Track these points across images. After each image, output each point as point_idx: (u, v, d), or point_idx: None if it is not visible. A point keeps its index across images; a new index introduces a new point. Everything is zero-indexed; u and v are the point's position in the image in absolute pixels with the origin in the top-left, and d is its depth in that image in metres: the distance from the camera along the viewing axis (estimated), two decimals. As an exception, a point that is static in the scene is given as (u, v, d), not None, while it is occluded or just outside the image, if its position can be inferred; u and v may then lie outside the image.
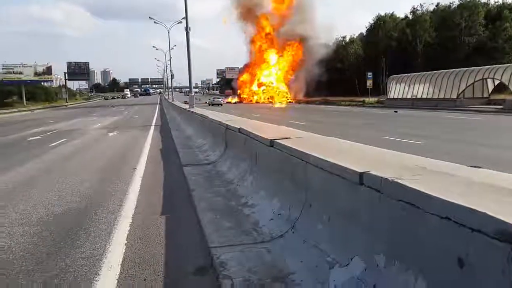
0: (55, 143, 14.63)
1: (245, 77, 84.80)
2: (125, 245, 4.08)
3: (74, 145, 14.40)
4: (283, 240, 3.83)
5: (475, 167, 2.78)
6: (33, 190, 6.89)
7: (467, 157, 9.80)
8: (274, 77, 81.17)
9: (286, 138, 5.09)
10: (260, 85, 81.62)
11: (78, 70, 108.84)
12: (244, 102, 76.13)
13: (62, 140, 15.69)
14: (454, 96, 37.25)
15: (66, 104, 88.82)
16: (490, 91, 37.40)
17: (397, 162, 3.15)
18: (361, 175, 2.77)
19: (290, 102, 71.02)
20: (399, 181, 2.36)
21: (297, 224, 3.85)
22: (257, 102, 73.66)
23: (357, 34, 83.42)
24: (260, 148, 5.65)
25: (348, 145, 4.58)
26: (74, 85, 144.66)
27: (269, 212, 4.48)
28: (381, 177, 2.53)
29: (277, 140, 4.93)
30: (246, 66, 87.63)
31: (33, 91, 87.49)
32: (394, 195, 2.37)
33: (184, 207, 5.47)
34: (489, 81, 36.51)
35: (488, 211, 1.70)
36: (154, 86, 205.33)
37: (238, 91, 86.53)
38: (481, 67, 36.96)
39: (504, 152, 10.90)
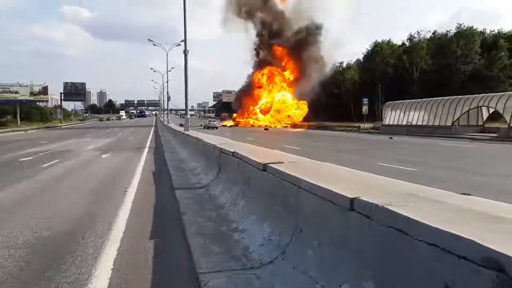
0: (47, 164, 14.51)
1: (245, 100, 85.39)
2: (112, 270, 3.99)
3: (66, 166, 14.29)
4: (272, 266, 3.76)
5: (464, 194, 2.77)
6: (21, 212, 6.78)
7: (459, 184, 9.80)
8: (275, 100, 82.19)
9: (279, 163, 5.08)
10: (264, 111, 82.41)
11: (74, 91, 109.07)
12: (239, 125, 76.39)
13: (55, 161, 15.57)
14: (449, 123, 37.56)
15: (61, 124, 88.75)
16: (484, 119, 37.79)
17: (388, 189, 3.13)
18: (351, 200, 2.75)
19: (286, 126, 71.32)
20: (389, 207, 2.34)
21: (287, 250, 3.79)
22: (252, 125, 73.91)
23: (354, 60, 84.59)
24: (253, 172, 5.62)
25: (340, 171, 4.56)
26: (69, 105, 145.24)
27: (260, 237, 4.41)
28: (371, 203, 2.51)
29: (270, 164, 4.91)
30: (248, 87, 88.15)
31: (28, 110, 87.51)
32: (384, 221, 2.34)
33: (174, 231, 5.38)
34: (484, 109, 36.91)
35: (474, 238, 1.68)
36: (150, 108, 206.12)
37: (234, 115, 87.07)
38: (476, 95, 37.45)
39: (496, 180, 10.92)
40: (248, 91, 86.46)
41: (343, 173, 4.37)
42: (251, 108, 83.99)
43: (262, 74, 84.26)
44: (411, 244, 2.05)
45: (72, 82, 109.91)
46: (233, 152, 7.16)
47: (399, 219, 2.18)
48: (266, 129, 61.64)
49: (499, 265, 1.54)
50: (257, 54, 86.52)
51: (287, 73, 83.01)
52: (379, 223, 2.38)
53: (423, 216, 2.08)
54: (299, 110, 79.76)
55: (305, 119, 74.41)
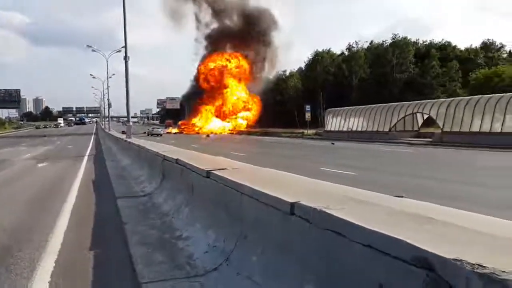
0: (-22, 175, 13.66)
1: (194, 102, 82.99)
2: (49, 283, 3.81)
3: (0, 176, 13.50)
4: (217, 273, 3.76)
5: (398, 196, 2.91)
6: (-51, 226, 6.33)
7: (395, 187, 10.21)
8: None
9: (223, 169, 5.08)
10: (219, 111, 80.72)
11: (8, 98, 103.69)
12: (184, 132, 75.54)
13: (-14, 172, 14.68)
14: (387, 129, 39.22)
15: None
16: (419, 124, 39.81)
17: (327, 193, 3.24)
18: (292, 205, 2.80)
19: (231, 133, 71.40)
20: (327, 210, 2.41)
21: (231, 256, 3.80)
22: (197, 133, 73.34)
23: (296, 68, 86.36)
24: (197, 179, 5.59)
25: (282, 176, 4.65)
26: (3, 113, 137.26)
27: (204, 245, 4.39)
28: (310, 206, 2.58)
29: (213, 171, 4.91)
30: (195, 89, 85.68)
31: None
32: (322, 225, 2.41)
33: (116, 241, 5.23)
34: (419, 116, 38.89)
35: (405, 238, 1.78)
36: (90, 115, 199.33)
37: (179, 122, 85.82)
38: (411, 102, 39.42)
39: (429, 182, 11.51)
40: (196, 92, 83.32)
41: (284, 178, 4.46)
42: (202, 111, 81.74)
43: (211, 61, 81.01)
44: (348, 245, 2.13)
45: (5, 89, 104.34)
46: (177, 159, 7.08)
47: (336, 222, 2.26)
48: (208, 136, 61.09)
49: (429, 263, 1.63)
50: (206, 38, 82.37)
51: (234, 63, 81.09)
52: (318, 226, 2.46)
53: (359, 218, 2.17)
54: (251, 107, 78.98)
55: (250, 125, 74.80)
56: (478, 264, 1.48)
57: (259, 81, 76.20)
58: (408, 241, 1.75)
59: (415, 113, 38.21)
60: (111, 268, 4.26)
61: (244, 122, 77.53)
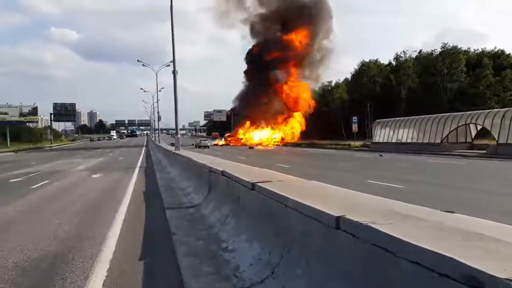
0: (36, 185, 14.41)
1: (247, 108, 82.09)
2: (101, 291, 3.97)
3: (56, 187, 14.20)
4: (263, 286, 3.77)
5: (448, 211, 2.82)
6: (10, 234, 6.73)
7: (446, 201, 9.88)
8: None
9: (268, 181, 5.12)
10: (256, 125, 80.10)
11: (64, 111, 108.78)
12: (231, 144, 76.31)
13: (44, 182, 15.46)
14: (438, 140, 37.90)
15: (51, 145, 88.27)
16: (473, 136, 38.20)
17: (373, 206, 3.19)
18: (337, 219, 2.79)
19: (277, 145, 71.43)
20: (373, 225, 2.38)
21: (276, 269, 3.80)
22: (243, 144, 73.86)
23: (342, 79, 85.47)
24: (242, 191, 5.66)
25: (327, 189, 4.62)
26: (59, 126, 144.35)
27: (250, 257, 4.42)
28: (356, 221, 2.56)
29: (259, 183, 4.95)
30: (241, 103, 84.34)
31: (17, 131, 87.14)
32: (368, 239, 2.38)
33: (164, 251, 5.36)
34: (472, 126, 37.35)
35: (455, 256, 1.73)
36: (141, 127, 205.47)
37: (226, 134, 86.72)
38: (464, 112, 37.93)
39: (483, 196, 11.02)
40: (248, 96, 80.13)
41: (330, 191, 4.42)
42: (247, 123, 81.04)
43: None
44: (395, 262, 2.09)
45: (62, 103, 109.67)
46: (222, 171, 7.19)
47: (382, 237, 2.23)
48: (251, 147, 61.26)
49: (479, 282, 1.58)
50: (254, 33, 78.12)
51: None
52: (363, 241, 2.43)
53: (406, 234, 2.13)
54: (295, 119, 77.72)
55: (294, 138, 74.41)
56: (533, 285, 1.42)
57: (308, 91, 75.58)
58: (457, 258, 1.70)
59: (468, 124, 36.73)
60: (160, 278, 4.37)
61: (289, 133, 76.78)
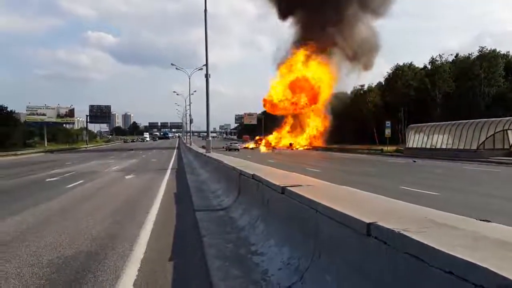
0: (71, 185, 14.84)
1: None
2: (132, 290, 4.05)
3: (90, 187, 14.57)
4: (291, 290, 3.75)
5: (484, 220, 2.73)
6: (46, 232, 6.94)
7: (481, 209, 9.59)
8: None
9: (297, 186, 5.10)
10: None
11: (99, 113, 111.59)
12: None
13: (79, 182, 15.90)
14: (474, 147, 36.80)
15: (86, 146, 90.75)
16: (511, 142, 36.92)
17: (406, 214, 3.12)
18: (368, 226, 2.75)
19: (307, 148, 71.03)
20: (405, 233, 2.34)
21: (306, 274, 3.78)
22: (274, 147, 73.82)
23: (375, 83, 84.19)
24: (272, 195, 5.65)
25: (358, 195, 4.55)
26: (95, 127, 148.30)
27: (279, 261, 4.41)
28: (388, 228, 2.51)
29: (288, 187, 4.94)
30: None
31: (54, 132, 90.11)
32: (400, 247, 2.34)
33: (194, 253, 5.42)
34: (510, 133, 36.12)
35: (491, 266, 1.67)
36: (173, 130, 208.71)
37: (256, 137, 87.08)
38: (502, 118, 36.71)
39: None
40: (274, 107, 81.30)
41: (361, 197, 4.36)
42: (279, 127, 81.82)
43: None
44: (428, 271, 2.04)
45: (97, 105, 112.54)
46: (253, 175, 7.21)
47: (415, 245, 2.18)
48: (274, 149, 61.62)
49: (514, 293, 1.53)
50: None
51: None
52: (395, 249, 2.38)
53: (439, 242, 2.07)
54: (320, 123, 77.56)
55: (325, 141, 73.77)
56: None
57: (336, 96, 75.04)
58: (493, 269, 1.64)
59: (506, 130, 35.52)
60: (189, 279, 4.42)
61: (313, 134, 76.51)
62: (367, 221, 2.76)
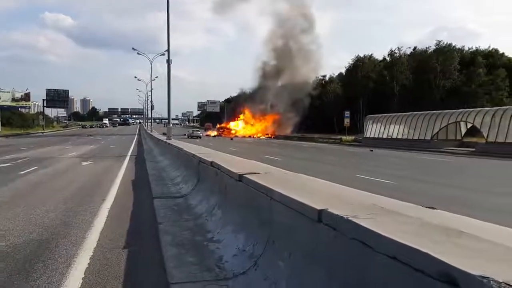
0: (24, 171, 14.29)
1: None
2: (82, 279, 3.94)
3: (45, 173, 14.09)
4: (244, 277, 3.77)
5: (429, 207, 2.83)
6: (-5, 219, 6.66)
7: (431, 197, 9.96)
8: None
9: (255, 173, 5.11)
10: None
11: (57, 98, 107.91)
12: (223, 135, 76.31)
13: (33, 168, 15.34)
14: (428, 137, 38.16)
15: (43, 131, 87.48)
16: (463, 134, 38.50)
17: (357, 201, 3.19)
18: (320, 212, 2.78)
19: (268, 137, 71.44)
20: (353, 219, 2.38)
21: (259, 260, 3.80)
22: (235, 136, 73.85)
23: (336, 74, 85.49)
24: (230, 182, 5.64)
25: (314, 182, 4.61)
26: (52, 112, 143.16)
27: (234, 248, 4.42)
28: (337, 214, 2.55)
29: (246, 175, 4.94)
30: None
31: (9, 116, 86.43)
32: (348, 233, 2.38)
33: (149, 240, 5.35)
34: (462, 124, 37.64)
35: (431, 252, 1.72)
36: (134, 116, 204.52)
37: (218, 125, 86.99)
38: (455, 110, 38.17)
39: (468, 193, 11.13)
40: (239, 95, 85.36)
41: (316, 184, 4.42)
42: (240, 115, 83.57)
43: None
44: (374, 256, 2.09)
45: (55, 89, 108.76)
46: (211, 162, 7.17)
47: (362, 232, 2.22)
48: (231, 139, 62.37)
49: (453, 279, 1.57)
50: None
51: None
52: (344, 235, 2.43)
53: (385, 228, 2.12)
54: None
55: (286, 130, 74.59)
56: (506, 283, 1.42)
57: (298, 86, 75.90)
58: (433, 254, 1.69)
59: (459, 121, 37.03)
60: (142, 267, 4.36)
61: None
62: (319, 207, 2.80)
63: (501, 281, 1.43)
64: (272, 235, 3.76)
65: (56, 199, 8.71)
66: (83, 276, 4.03)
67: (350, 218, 2.40)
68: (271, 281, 3.38)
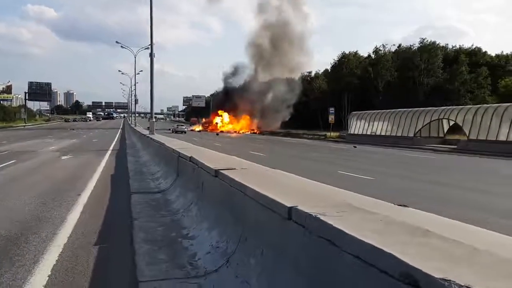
0: (2, 165, 13.97)
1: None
2: (49, 276, 3.81)
3: (22, 167, 13.80)
4: (216, 274, 3.69)
5: (401, 205, 2.78)
6: (-35, 214, 6.46)
7: (410, 194, 10.00)
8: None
9: (232, 169, 5.02)
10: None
11: (39, 91, 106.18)
12: (208, 130, 76.02)
13: (11, 162, 15.01)
14: (411, 134, 38.50)
15: (25, 124, 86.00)
16: (445, 131, 38.92)
17: (329, 198, 3.13)
18: (289, 209, 2.71)
19: (254, 132, 71.40)
20: (321, 217, 2.31)
21: (232, 258, 3.72)
22: (221, 131, 73.62)
23: (322, 70, 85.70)
24: (207, 178, 5.55)
25: (289, 178, 4.55)
26: (34, 105, 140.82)
27: (207, 245, 4.34)
28: (306, 212, 2.48)
29: (222, 171, 4.85)
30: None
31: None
32: (316, 232, 2.32)
33: (122, 237, 5.21)
34: (445, 122, 38.04)
35: (395, 252, 1.66)
36: (118, 110, 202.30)
37: (203, 119, 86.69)
38: (438, 107, 38.57)
39: (447, 190, 11.20)
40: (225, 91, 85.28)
41: (291, 181, 4.35)
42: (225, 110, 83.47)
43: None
44: (339, 255, 2.03)
45: (37, 82, 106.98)
46: (190, 157, 7.05)
47: (329, 230, 2.15)
48: (217, 134, 62.35)
49: (415, 281, 1.52)
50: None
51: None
52: (312, 233, 2.36)
53: (352, 227, 2.06)
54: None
55: (271, 126, 74.66)
56: (467, 286, 1.36)
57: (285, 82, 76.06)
58: (396, 254, 1.63)
59: (441, 119, 37.40)
60: (112, 264, 4.24)
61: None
62: (289, 205, 2.73)
63: (462, 284, 1.37)
64: (245, 232, 3.69)
65: (30, 193, 8.49)
66: (50, 273, 3.90)
67: (318, 216, 2.33)
68: (242, 278, 3.31)
